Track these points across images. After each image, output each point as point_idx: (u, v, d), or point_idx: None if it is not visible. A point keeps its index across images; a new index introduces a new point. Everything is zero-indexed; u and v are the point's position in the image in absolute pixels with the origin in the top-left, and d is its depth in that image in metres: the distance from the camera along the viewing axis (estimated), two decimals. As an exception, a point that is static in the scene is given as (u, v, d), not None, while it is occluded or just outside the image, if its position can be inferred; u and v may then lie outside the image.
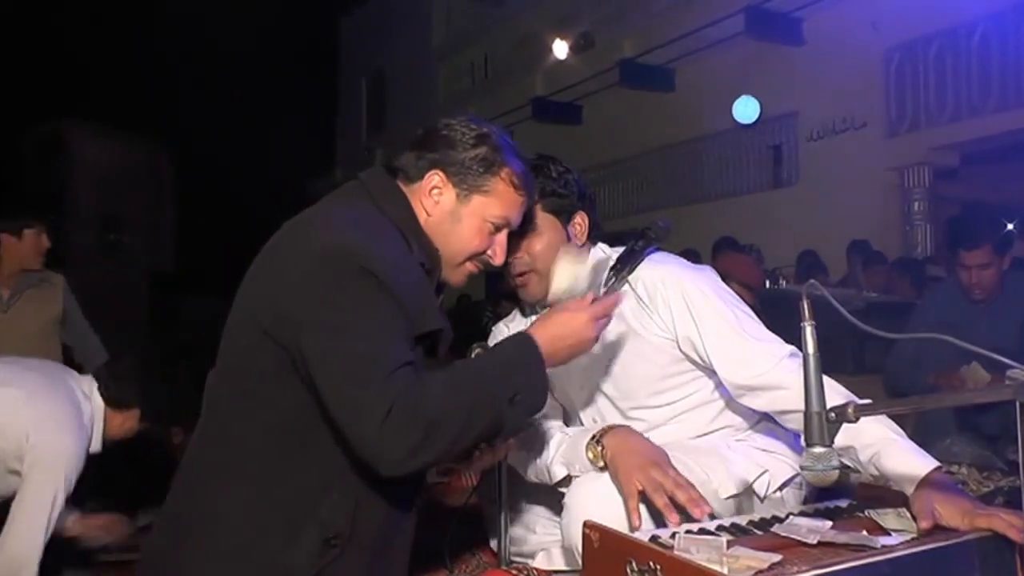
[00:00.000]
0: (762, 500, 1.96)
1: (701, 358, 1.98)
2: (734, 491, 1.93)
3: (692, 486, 1.76)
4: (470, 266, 1.81)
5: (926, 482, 1.63)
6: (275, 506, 1.58)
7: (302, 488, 1.59)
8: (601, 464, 1.89)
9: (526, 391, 1.60)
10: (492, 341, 2.21)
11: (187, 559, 1.60)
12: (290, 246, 1.65)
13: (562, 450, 2.02)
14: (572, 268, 1.89)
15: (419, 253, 1.71)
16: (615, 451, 1.87)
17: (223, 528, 1.59)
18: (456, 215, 1.75)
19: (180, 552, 1.62)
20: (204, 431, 1.70)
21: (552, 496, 2.21)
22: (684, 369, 2.06)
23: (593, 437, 1.93)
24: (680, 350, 2.01)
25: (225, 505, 1.60)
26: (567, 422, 2.24)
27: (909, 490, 1.65)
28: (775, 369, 1.90)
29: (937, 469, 1.66)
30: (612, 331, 2.01)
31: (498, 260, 1.82)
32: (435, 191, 1.74)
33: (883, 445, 1.73)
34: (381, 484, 1.59)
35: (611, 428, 1.95)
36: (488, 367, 1.64)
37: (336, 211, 1.70)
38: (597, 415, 2.16)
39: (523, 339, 1.67)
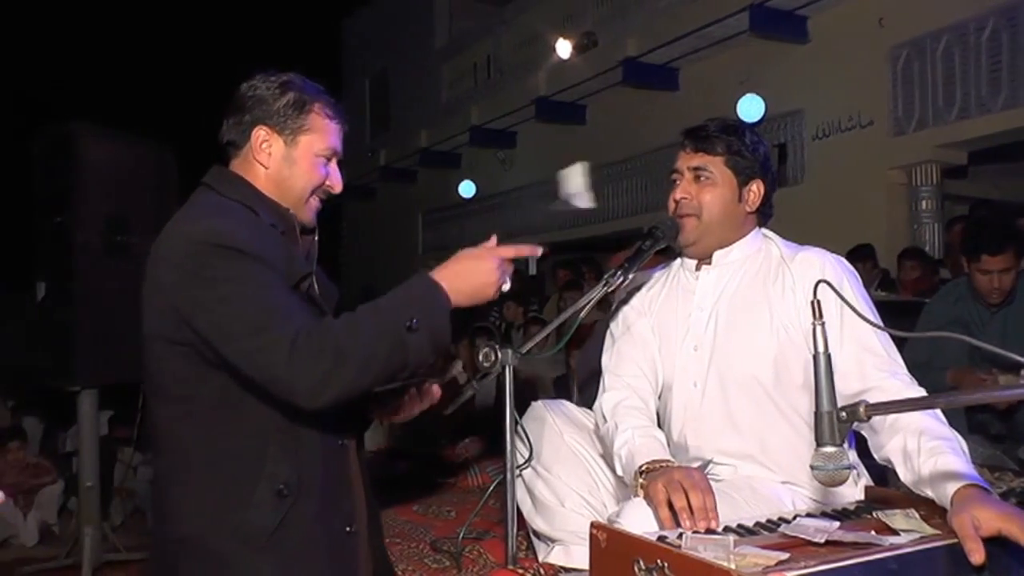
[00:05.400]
0: None
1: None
2: None
3: (711, 494, 1.75)
4: (314, 201, 1.96)
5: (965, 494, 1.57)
6: (226, 481, 1.74)
7: (244, 457, 1.73)
8: (641, 493, 1.90)
9: (424, 318, 1.71)
10: (615, 316, 2.36)
11: (174, 553, 1.77)
12: (156, 256, 1.78)
13: (624, 453, 2.04)
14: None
15: (267, 216, 1.84)
16: (652, 479, 1.86)
17: (192, 518, 1.75)
18: (289, 159, 1.90)
19: (168, 549, 1.79)
20: (152, 440, 1.88)
21: (586, 471, 2.23)
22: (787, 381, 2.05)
23: (640, 469, 1.94)
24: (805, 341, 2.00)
25: (188, 499, 1.76)
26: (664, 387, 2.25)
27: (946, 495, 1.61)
28: (890, 379, 1.94)
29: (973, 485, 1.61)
30: (746, 297, 2.11)
31: (337, 188, 1.97)
32: (264, 144, 1.89)
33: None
34: (312, 430, 1.76)
35: (661, 465, 1.94)
36: (384, 300, 1.76)
37: (183, 213, 1.85)
38: (700, 381, 2.15)
39: (419, 274, 1.80)
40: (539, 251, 1.99)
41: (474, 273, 1.82)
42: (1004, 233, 3.49)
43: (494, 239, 1.88)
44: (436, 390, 2.11)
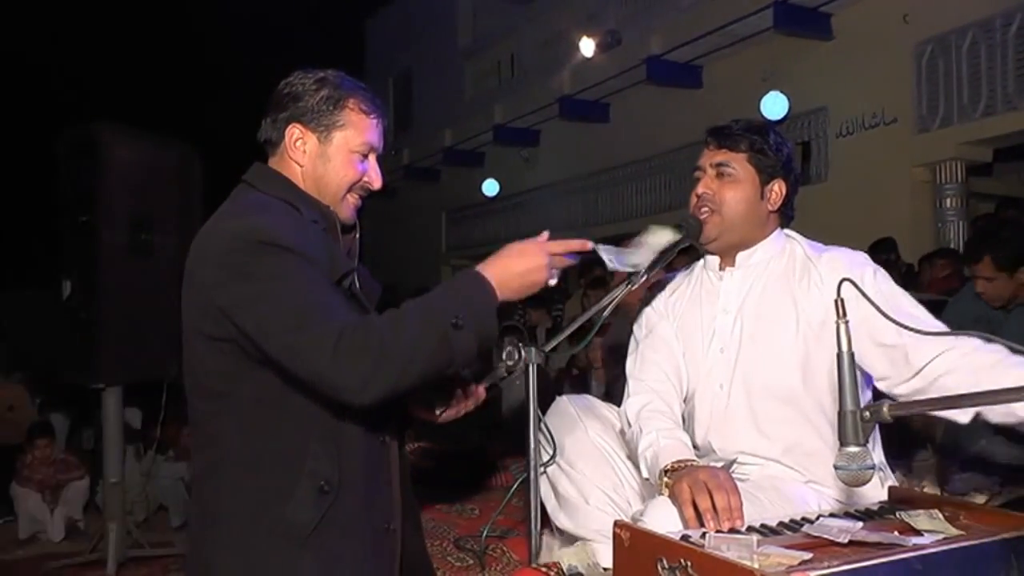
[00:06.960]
0: None
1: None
2: None
3: (736, 494, 1.75)
4: (352, 199, 1.93)
5: None
6: (267, 478, 1.73)
7: (285, 454, 1.72)
8: (666, 492, 1.89)
9: (470, 315, 1.68)
10: (640, 323, 2.34)
11: (211, 550, 1.76)
12: (197, 253, 1.77)
13: (648, 455, 2.04)
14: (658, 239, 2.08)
15: (309, 213, 1.82)
16: (677, 478, 1.86)
17: (230, 514, 1.74)
18: (324, 156, 1.88)
19: (204, 546, 1.79)
20: (193, 438, 1.88)
21: (610, 468, 2.23)
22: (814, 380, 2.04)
23: (665, 469, 1.94)
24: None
25: (227, 495, 1.77)
26: (688, 392, 2.24)
27: None
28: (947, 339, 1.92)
29: None
30: (771, 299, 2.11)
31: (376, 184, 1.94)
32: (298, 142, 1.87)
33: None
34: (353, 427, 1.75)
35: (686, 465, 1.93)
36: (431, 297, 1.74)
37: (225, 209, 1.83)
38: (726, 384, 2.14)
39: (467, 270, 1.78)
40: (589, 245, 1.94)
41: (521, 266, 1.79)
42: (982, 243, 3.45)
43: (545, 234, 1.86)
44: (481, 391, 2.10)
